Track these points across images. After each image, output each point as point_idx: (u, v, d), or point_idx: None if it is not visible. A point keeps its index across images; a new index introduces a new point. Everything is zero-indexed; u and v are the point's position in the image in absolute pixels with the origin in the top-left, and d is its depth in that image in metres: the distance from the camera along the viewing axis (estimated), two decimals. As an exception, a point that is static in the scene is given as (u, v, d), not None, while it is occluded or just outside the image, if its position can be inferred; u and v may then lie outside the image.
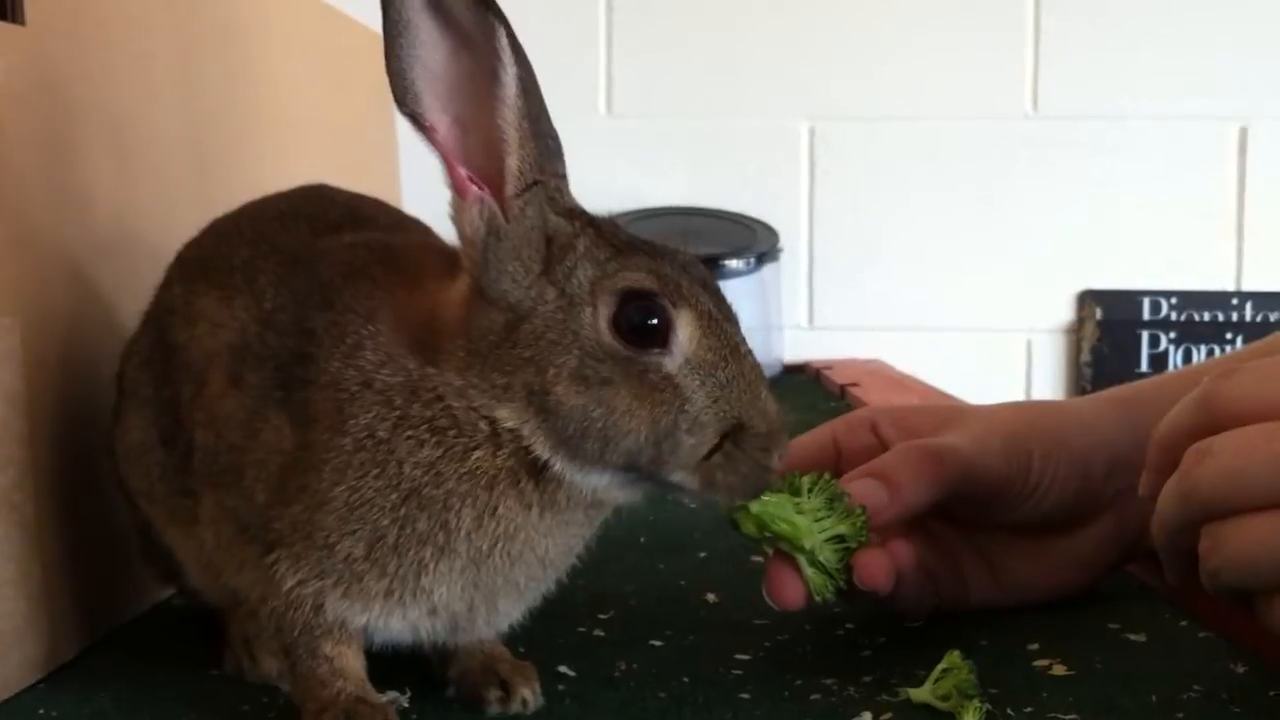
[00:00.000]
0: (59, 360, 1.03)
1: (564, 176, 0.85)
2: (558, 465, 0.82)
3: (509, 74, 0.80)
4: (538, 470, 0.83)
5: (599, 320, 0.81)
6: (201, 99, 1.42)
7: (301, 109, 1.82)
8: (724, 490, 0.84)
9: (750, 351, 0.85)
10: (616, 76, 3.04)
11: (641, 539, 1.34)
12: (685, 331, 0.82)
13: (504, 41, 0.80)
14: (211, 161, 1.42)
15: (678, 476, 0.83)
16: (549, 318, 0.82)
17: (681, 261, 0.85)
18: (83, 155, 1.12)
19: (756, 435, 0.83)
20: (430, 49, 0.81)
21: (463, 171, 0.83)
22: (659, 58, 3.02)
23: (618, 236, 0.85)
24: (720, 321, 0.84)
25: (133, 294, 1.06)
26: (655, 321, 0.82)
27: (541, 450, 0.82)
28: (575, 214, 0.85)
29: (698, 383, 0.82)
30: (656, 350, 0.81)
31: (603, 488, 0.84)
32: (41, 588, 0.98)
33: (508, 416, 0.82)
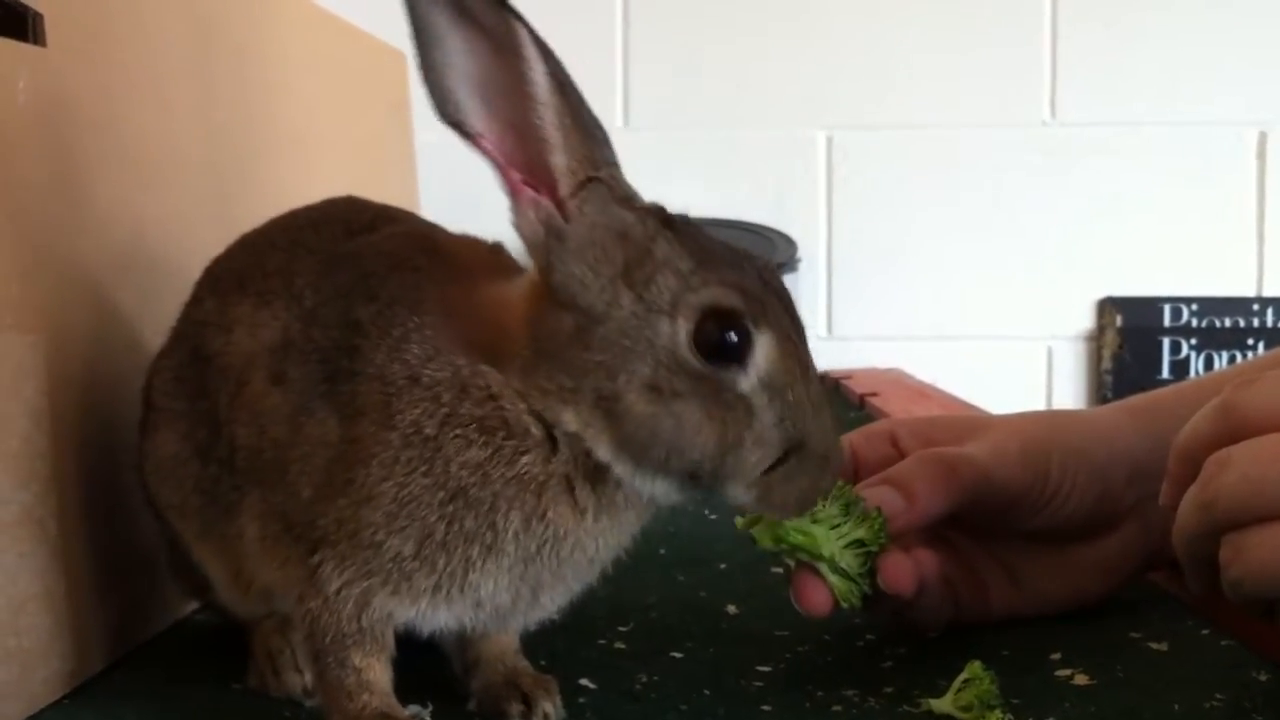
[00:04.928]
0: (82, 376, 1.04)
1: (616, 164, 0.83)
2: (619, 469, 0.82)
3: (537, 72, 0.79)
4: (596, 474, 0.82)
5: (678, 334, 0.80)
6: (219, 117, 1.43)
7: (320, 126, 1.83)
8: (778, 506, 0.84)
9: (817, 371, 0.84)
10: (633, 89, 3.05)
11: (661, 551, 1.34)
12: (764, 352, 0.81)
13: (526, 39, 0.78)
14: (230, 178, 1.43)
15: (734, 490, 0.82)
16: (624, 323, 0.80)
17: (761, 272, 0.83)
18: (102, 173, 1.13)
19: (814, 456, 0.82)
20: (462, 56, 0.79)
21: (515, 175, 0.81)
22: (675, 70, 3.03)
23: (696, 240, 0.83)
24: (796, 342, 0.83)
25: (154, 310, 1.07)
26: (736, 341, 0.80)
27: (603, 454, 0.81)
28: (646, 210, 0.83)
29: (767, 401, 0.81)
30: (734, 368, 0.80)
31: (661, 493, 0.83)
32: (66, 604, 0.99)
33: (571, 420, 0.81)
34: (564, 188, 0.81)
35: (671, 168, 3.00)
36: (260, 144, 1.56)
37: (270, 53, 1.65)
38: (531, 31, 0.79)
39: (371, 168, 2.18)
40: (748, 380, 0.81)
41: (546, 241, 0.82)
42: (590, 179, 0.82)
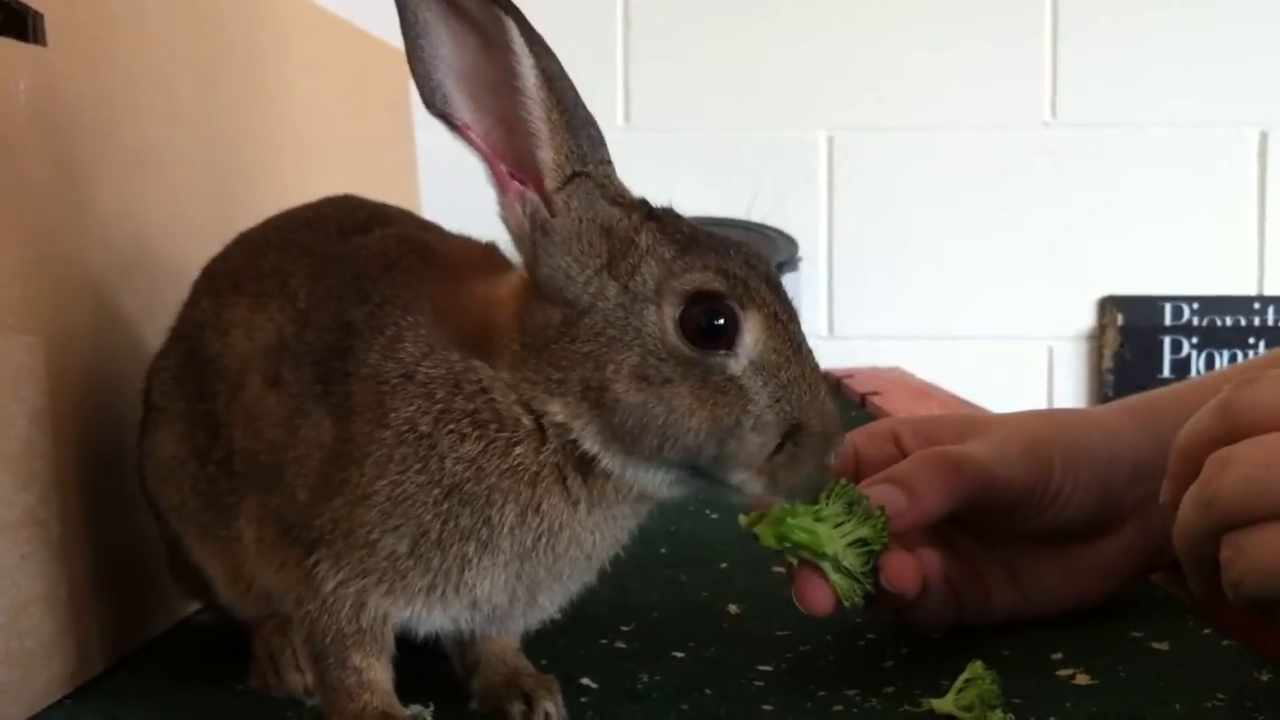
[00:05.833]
0: (83, 378, 1.04)
1: (609, 163, 0.84)
2: (607, 461, 0.82)
3: (525, 65, 0.79)
4: (585, 465, 0.82)
5: (664, 320, 0.80)
6: (222, 119, 1.43)
7: (322, 127, 1.83)
8: (786, 490, 0.84)
9: (811, 351, 0.84)
10: (634, 89, 3.05)
11: (663, 550, 1.34)
12: (752, 334, 0.81)
13: (514, 33, 0.79)
14: (232, 180, 1.43)
15: (739, 477, 0.82)
16: (610, 314, 0.81)
17: (746, 257, 0.84)
18: (104, 175, 1.13)
19: (815, 435, 0.82)
20: (450, 48, 0.80)
21: (503, 167, 0.82)
22: (677, 69, 3.03)
23: (680, 230, 0.84)
24: (785, 321, 0.83)
25: (155, 312, 1.07)
26: (723, 323, 0.81)
27: (591, 445, 0.81)
28: (631, 204, 0.84)
29: (761, 383, 0.81)
30: (722, 352, 0.81)
31: (655, 484, 0.83)
32: (68, 605, 0.99)
33: (559, 410, 0.81)
34: (551, 182, 0.82)
35: (673, 167, 3.00)
36: (262, 145, 1.56)
37: (272, 54, 1.65)
38: (522, 25, 0.79)
39: (373, 168, 2.18)
40: (738, 363, 0.81)
41: (532, 235, 0.82)
42: (577, 174, 0.82)
